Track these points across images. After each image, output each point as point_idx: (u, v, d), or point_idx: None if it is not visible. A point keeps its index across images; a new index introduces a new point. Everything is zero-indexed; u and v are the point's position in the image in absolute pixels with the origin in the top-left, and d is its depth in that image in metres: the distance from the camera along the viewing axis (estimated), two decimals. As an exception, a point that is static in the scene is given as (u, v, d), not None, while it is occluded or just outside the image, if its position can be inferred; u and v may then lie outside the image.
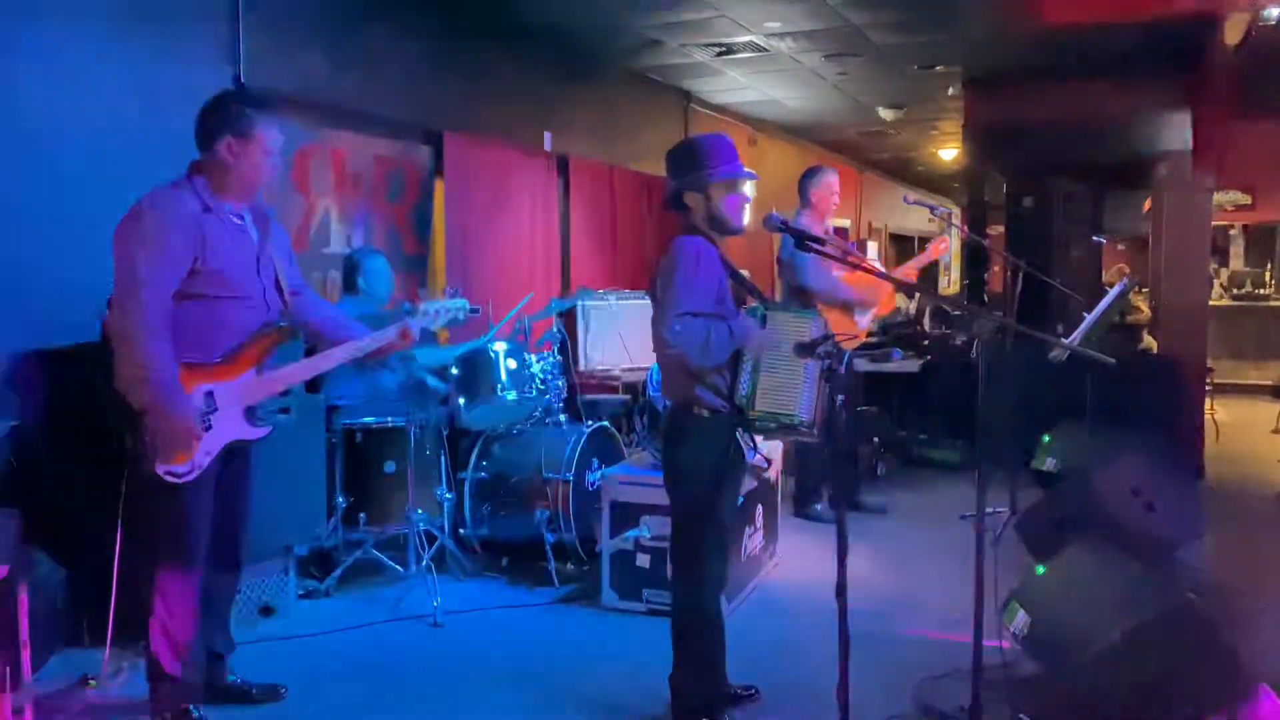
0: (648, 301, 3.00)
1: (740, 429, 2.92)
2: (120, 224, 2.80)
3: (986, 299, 8.54)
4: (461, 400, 4.49)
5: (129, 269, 2.73)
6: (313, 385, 4.19)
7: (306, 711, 3.18)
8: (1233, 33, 6.03)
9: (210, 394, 2.87)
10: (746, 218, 3.02)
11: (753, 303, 2.98)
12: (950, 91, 8.25)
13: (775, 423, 2.84)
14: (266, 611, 3.91)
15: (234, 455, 3.00)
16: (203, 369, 2.87)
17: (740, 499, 3.76)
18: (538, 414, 4.77)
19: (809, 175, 5.27)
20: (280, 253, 3.13)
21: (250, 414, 2.97)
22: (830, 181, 5.22)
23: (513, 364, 4.52)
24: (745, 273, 3.06)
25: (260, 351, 2.99)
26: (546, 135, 6.68)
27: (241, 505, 3.13)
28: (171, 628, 2.90)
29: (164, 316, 2.75)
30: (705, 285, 2.82)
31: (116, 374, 2.75)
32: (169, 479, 2.78)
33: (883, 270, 4.85)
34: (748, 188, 3.00)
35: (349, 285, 4.67)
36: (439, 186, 5.64)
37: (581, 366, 5.98)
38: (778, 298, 5.15)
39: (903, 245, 15.78)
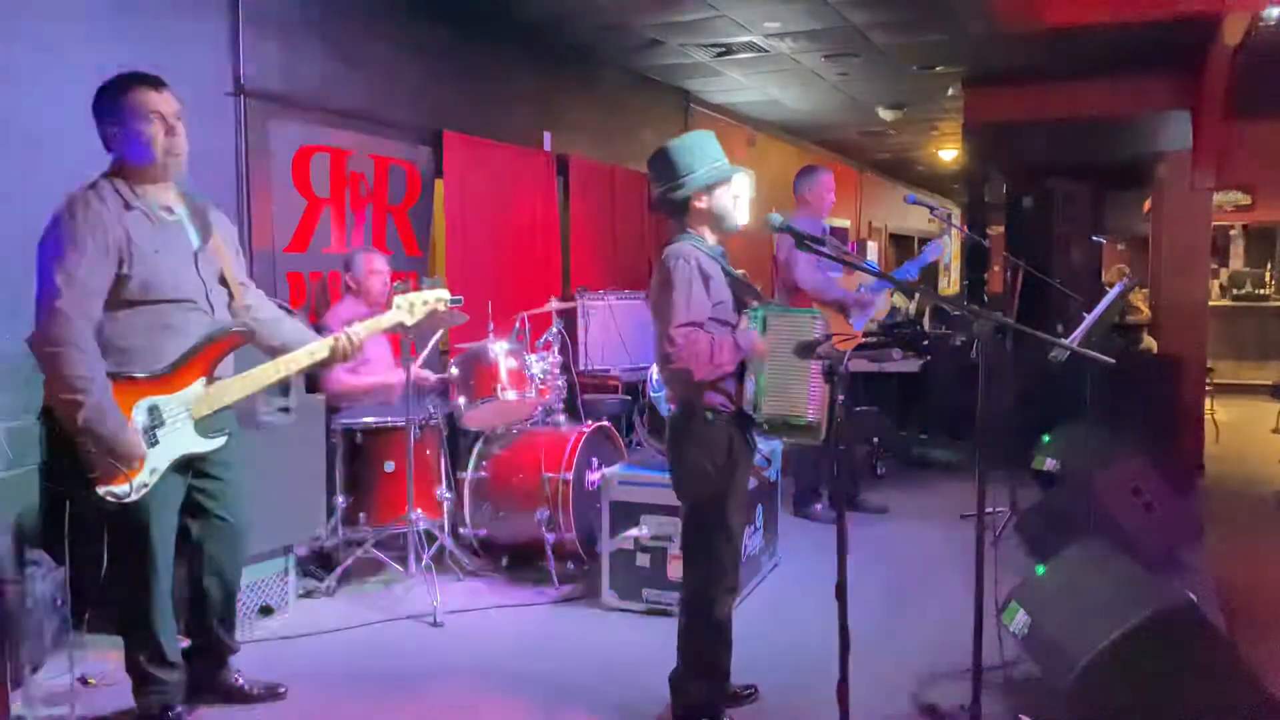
0: (646, 303, 3.00)
1: (748, 431, 2.93)
2: (41, 236, 2.67)
3: (986, 299, 8.54)
4: (461, 400, 4.50)
5: (46, 282, 2.59)
6: (312, 385, 4.19)
7: (306, 711, 3.18)
8: (1233, 33, 6.03)
9: (155, 408, 2.74)
10: (744, 214, 3.02)
11: (753, 304, 2.98)
12: (950, 91, 8.24)
13: (784, 424, 2.84)
14: (266, 611, 3.91)
15: (209, 461, 2.93)
16: (146, 382, 2.73)
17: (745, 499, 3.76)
18: (538, 414, 4.77)
19: (804, 175, 5.28)
20: (226, 246, 2.97)
21: (201, 426, 2.84)
22: (825, 181, 5.22)
23: (513, 364, 4.52)
24: (742, 273, 3.06)
25: (209, 360, 2.84)
26: (546, 135, 6.68)
27: (235, 507, 3.06)
28: (147, 637, 2.89)
29: (89, 330, 2.62)
30: (700, 293, 2.80)
31: (47, 395, 2.62)
32: (110, 500, 2.66)
33: (879, 270, 4.84)
34: (739, 182, 2.99)
35: (345, 285, 4.68)
36: (439, 186, 5.64)
37: (581, 366, 5.98)
38: (775, 297, 5.15)
39: (903, 245, 15.78)
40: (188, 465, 2.87)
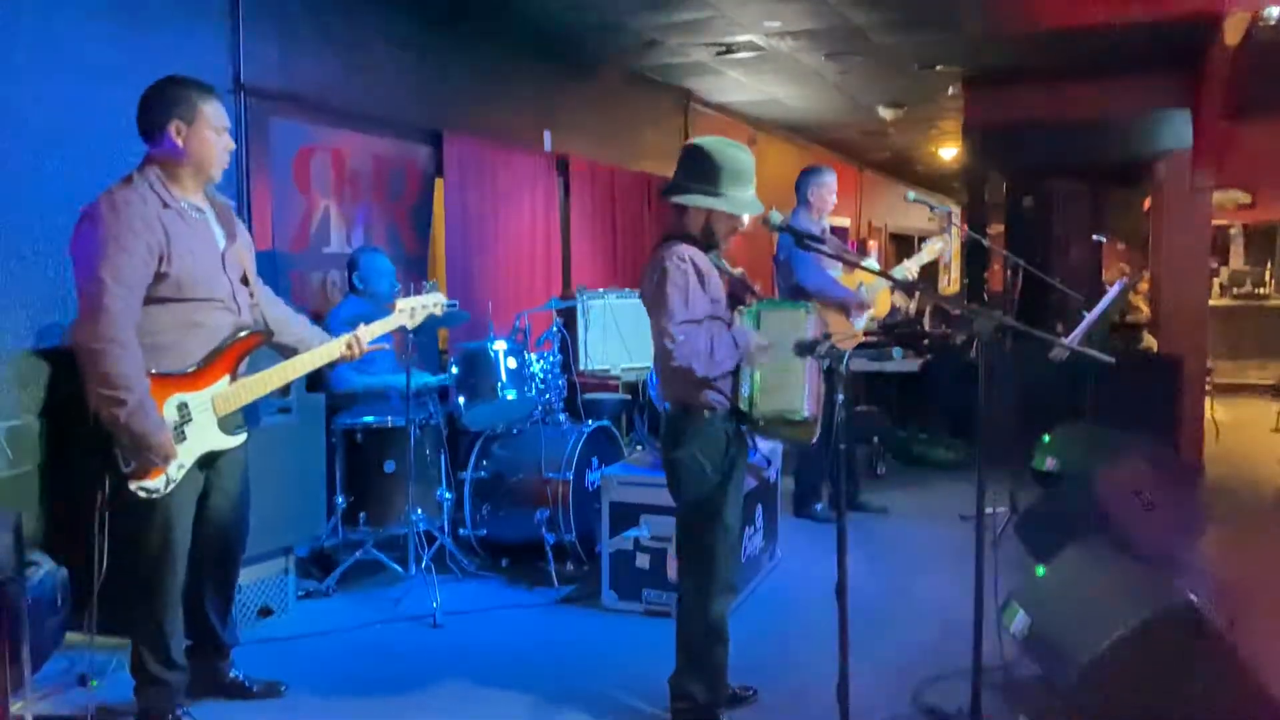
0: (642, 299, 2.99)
1: (743, 429, 2.93)
2: (77, 230, 2.69)
3: (986, 299, 8.54)
4: (461, 400, 4.49)
5: (92, 280, 2.61)
6: (314, 385, 4.19)
7: (306, 712, 3.18)
8: (1233, 33, 6.03)
9: (184, 405, 2.79)
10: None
11: (750, 301, 2.98)
12: (950, 91, 8.24)
13: (780, 420, 2.85)
14: (266, 612, 3.91)
15: (220, 457, 2.96)
16: (175, 379, 2.78)
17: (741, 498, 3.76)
18: (538, 414, 4.77)
19: (806, 175, 5.28)
20: (244, 247, 3.03)
21: (225, 422, 2.89)
22: (828, 181, 5.22)
23: (513, 364, 4.52)
24: (740, 271, 3.06)
25: (234, 358, 2.90)
26: (546, 135, 6.68)
27: (239, 504, 3.12)
28: (155, 634, 2.90)
29: (132, 328, 2.65)
30: (697, 291, 2.81)
31: (86, 391, 2.64)
32: (142, 494, 2.72)
33: (879, 269, 4.86)
34: (746, 217, 2.97)
35: (351, 285, 4.68)
36: (439, 186, 5.64)
37: (581, 366, 5.98)
38: (775, 297, 5.15)
39: (903, 245, 15.78)
40: (204, 461, 2.91)
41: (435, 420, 4.49)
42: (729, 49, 6.96)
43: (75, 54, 3.79)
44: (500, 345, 4.53)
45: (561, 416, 4.82)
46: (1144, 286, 8.12)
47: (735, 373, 2.86)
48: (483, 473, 4.60)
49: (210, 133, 2.82)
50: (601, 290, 6.35)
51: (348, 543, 4.40)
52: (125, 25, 3.97)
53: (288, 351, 3.07)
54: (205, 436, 2.85)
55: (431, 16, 5.60)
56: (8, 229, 3.60)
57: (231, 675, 3.22)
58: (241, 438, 2.97)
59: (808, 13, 6.05)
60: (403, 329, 3.33)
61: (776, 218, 2.96)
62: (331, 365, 3.28)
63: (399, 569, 4.33)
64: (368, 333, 3.16)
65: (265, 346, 3.06)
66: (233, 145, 2.93)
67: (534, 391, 4.58)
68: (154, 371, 2.72)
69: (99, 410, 2.64)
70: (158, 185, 2.77)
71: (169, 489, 2.76)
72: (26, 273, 3.66)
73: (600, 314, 6.13)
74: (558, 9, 5.91)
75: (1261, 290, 11.75)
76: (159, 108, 2.80)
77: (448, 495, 4.52)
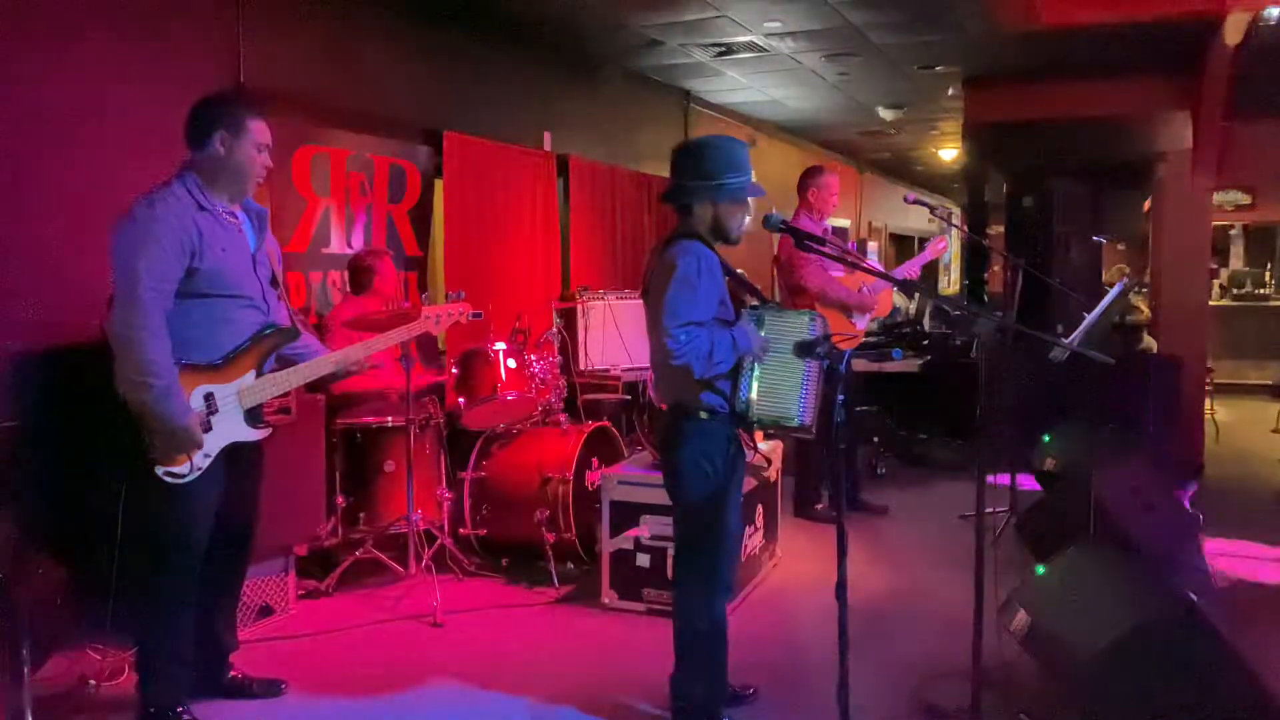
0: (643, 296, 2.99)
1: (740, 429, 2.93)
2: (115, 228, 2.80)
3: (986, 299, 8.54)
4: (461, 400, 4.49)
5: (127, 271, 2.73)
6: (313, 385, 4.19)
7: (306, 712, 3.18)
8: (1233, 33, 6.03)
9: (210, 396, 2.88)
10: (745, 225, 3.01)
11: (753, 302, 2.98)
12: (950, 91, 8.24)
13: (776, 425, 2.85)
14: (266, 611, 3.91)
15: (240, 454, 3.01)
16: (204, 370, 2.87)
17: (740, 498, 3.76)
18: (538, 414, 4.77)
19: (808, 175, 5.27)
20: (272, 251, 3.14)
21: (250, 415, 2.97)
22: (829, 182, 5.22)
23: (513, 364, 4.52)
24: (741, 272, 3.05)
25: (261, 354, 2.99)
26: (546, 135, 6.68)
27: (251, 503, 3.16)
28: (168, 626, 2.92)
29: (163, 318, 2.76)
30: (707, 293, 2.79)
31: (116, 377, 2.74)
32: (168, 479, 2.79)
33: (881, 270, 4.85)
34: (753, 204, 2.97)
35: (359, 286, 4.66)
36: (439, 186, 5.64)
37: (581, 366, 5.98)
38: (775, 298, 5.15)
39: (903, 245, 15.78)
40: (230, 456, 2.95)
41: (435, 420, 4.49)
42: (729, 49, 6.96)
43: (75, 55, 3.79)
44: (500, 345, 4.53)
45: (561, 416, 4.82)
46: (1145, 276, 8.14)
47: (735, 374, 2.85)
48: (483, 473, 4.60)
49: (252, 148, 2.93)
50: (602, 290, 6.35)
51: (348, 542, 4.40)
52: (125, 26, 3.97)
53: (286, 361, 3.12)
54: (231, 427, 2.93)
55: (431, 16, 5.60)
56: (8, 230, 3.60)
57: (231, 674, 3.23)
58: (266, 431, 3.04)
59: (808, 13, 6.05)
60: (427, 336, 3.41)
61: (776, 218, 2.95)
62: (331, 380, 3.35)
63: (399, 568, 4.33)
64: (384, 341, 3.33)
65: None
66: (270, 164, 3.02)
67: (534, 392, 4.58)
68: (183, 362, 2.81)
69: (128, 396, 2.72)
70: (194, 189, 2.89)
71: (194, 475, 2.82)
72: (26, 273, 3.66)
73: (600, 314, 6.13)
74: (558, 9, 5.91)
75: (1261, 290, 11.75)
76: (209, 117, 2.92)
77: (448, 495, 4.52)
